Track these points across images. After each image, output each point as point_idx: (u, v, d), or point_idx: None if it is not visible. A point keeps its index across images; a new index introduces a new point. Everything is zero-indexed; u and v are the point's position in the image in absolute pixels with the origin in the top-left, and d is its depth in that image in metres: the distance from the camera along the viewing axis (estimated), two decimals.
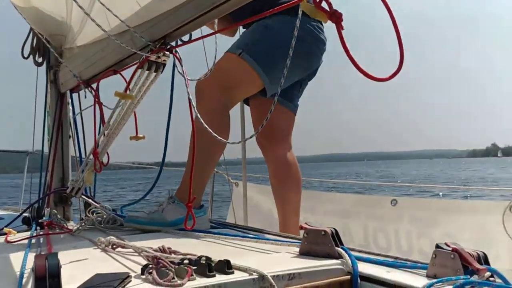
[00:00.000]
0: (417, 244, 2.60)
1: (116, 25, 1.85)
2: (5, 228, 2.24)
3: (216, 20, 1.82)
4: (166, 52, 1.72)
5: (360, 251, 1.82)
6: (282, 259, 1.61)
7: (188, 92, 1.67)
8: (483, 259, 1.44)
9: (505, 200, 2.38)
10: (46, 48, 2.70)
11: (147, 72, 1.79)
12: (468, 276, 1.33)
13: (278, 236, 2.05)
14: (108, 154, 2.26)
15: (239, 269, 1.35)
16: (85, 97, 2.47)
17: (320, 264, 1.50)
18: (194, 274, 1.27)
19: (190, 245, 1.86)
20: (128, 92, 1.80)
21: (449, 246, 1.44)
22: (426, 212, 2.67)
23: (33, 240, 2.03)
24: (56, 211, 2.52)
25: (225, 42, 2.51)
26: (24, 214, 2.51)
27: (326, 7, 1.33)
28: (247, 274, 1.32)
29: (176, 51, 1.76)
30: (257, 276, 1.31)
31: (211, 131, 1.75)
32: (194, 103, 1.76)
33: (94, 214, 2.47)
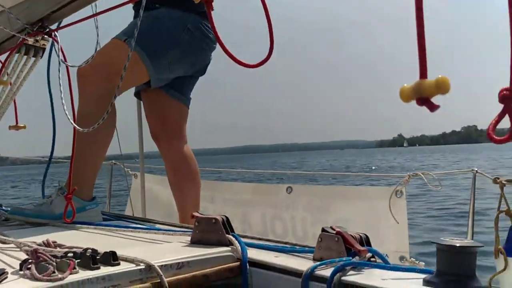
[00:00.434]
0: (311, 229, 2.68)
1: None
2: None
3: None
4: (46, 36, 1.64)
5: (252, 238, 1.85)
6: (172, 248, 1.59)
7: (69, 79, 1.60)
8: (365, 241, 1.51)
9: (392, 186, 2.52)
10: None
11: (25, 56, 1.69)
12: (350, 258, 1.39)
13: (171, 226, 2.03)
14: None
15: (126, 260, 1.32)
16: None
17: (210, 252, 1.50)
18: (77, 267, 1.23)
19: (78, 238, 1.80)
20: (5, 78, 1.69)
21: (334, 230, 1.50)
22: (320, 198, 2.76)
23: None
24: None
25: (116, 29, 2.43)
26: None
27: None
28: (134, 265, 1.29)
29: (56, 35, 1.67)
30: (144, 266, 1.29)
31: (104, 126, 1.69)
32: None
33: None
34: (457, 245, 1.17)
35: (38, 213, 2.10)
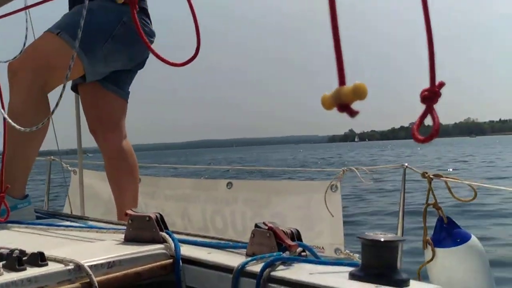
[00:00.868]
0: (251, 224, 2.70)
1: None
2: None
3: None
4: None
5: (188, 234, 1.86)
6: (104, 247, 1.58)
7: None
8: (296, 236, 1.55)
9: (328, 180, 2.58)
10: None
11: None
12: (281, 253, 1.43)
13: (107, 224, 2.01)
14: None
15: (55, 260, 1.30)
16: None
17: (143, 250, 1.50)
18: (1, 269, 1.20)
19: (7, 239, 1.75)
20: None
21: (266, 225, 1.53)
22: (259, 193, 2.79)
23: None
24: None
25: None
26: None
27: None
28: (63, 265, 1.28)
29: None
30: (72, 266, 1.28)
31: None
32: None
33: None
34: (380, 239, 1.22)
35: None
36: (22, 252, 1.31)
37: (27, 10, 1.69)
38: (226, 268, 1.40)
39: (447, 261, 2.32)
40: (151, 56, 2.47)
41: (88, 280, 1.27)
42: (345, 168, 2.58)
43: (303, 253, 1.52)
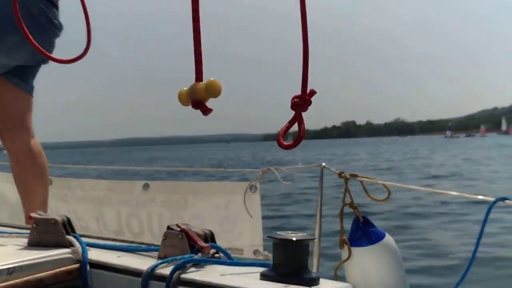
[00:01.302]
0: None
1: None
2: None
3: None
4: None
5: (98, 238, 1.78)
6: (5, 252, 1.48)
7: None
8: (210, 237, 1.52)
9: (247, 181, 2.57)
10: None
11: None
12: (193, 255, 1.39)
13: (10, 228, 1.89)
14: None
15: None
16: None
17: (47, 255, 1.42)
18: None
19: None
20: None
21: (179, 227, 1.49)
22: (177, 195, 2.73)
23: None
24: None
25: None
26: None
27: None
28: None
29: None
30: None
31: None
32: None
33: None
34: (290, 238, 1.22)
35: None
36: None
37: None
38: (135, 272, 1.34)
39: (362, 260, 2.36)
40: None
41: None
42: (264, 168, 2.57)
43: (216, 255, 1.49)
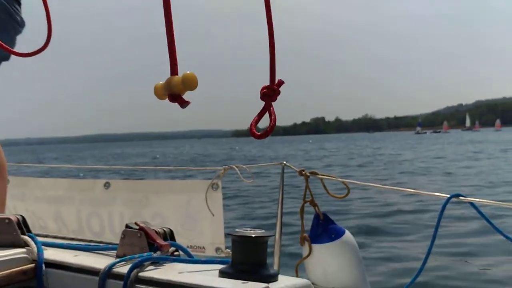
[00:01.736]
0: None
1: None
2: None
3: None
4: None
5: (55, 237, 1.76)
6: None
7: None
8: (169, 235, 1.51)
9: (209, 179, 2.56)
10: None
11: None
12: (152, 253, 1.38)
13: None
14: None
15: None
16: None
17: (1, 255, 1.39)
18: None
19: None
20: None
21: (138, 226, 1.48)
22: (139, 193, 2.70)
23: None
24: None
25: None
26: None
27: None
28: None
29: None
30: None
31: None
32: None
33: None
34: (248, 235, 1.22)
35: None
36: None
37: None
38: (92, 271, 1.33)
39: (322, 256, 2.39)
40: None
41: None
42: (226, 166, 2.57)
43: (176, 253, 1.49)
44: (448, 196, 2.02)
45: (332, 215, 2.48)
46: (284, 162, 2.51)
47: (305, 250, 2.42)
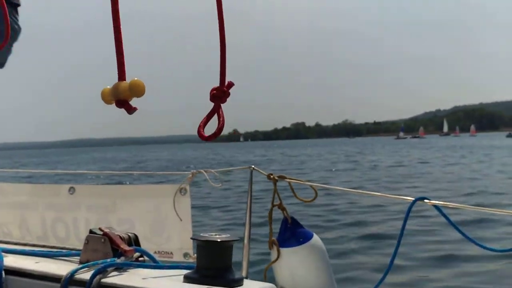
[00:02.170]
0: None
1: None
2: None
3: None
4: None
5: (17, 244, 1.72)
6: None
7: None
8: (134, 241, 1.49)
9: (177, 184, 2.53)
10: None
11: None
12: (116, 258, 1.36)
13: None
14: None
15: None
16: None
17: None
18: None
19: None
20: None
21: (102, 231, 1.45)
22: (105, 198, 2.65)
23: None
24: None
25: None
26: None
27: None
28: None
29: None
30: None
31: None
32: None
33: None
34: (212, 239, 1.21)
35: None
36: None
37: None
38: (54, 278, 1.30)
39: (290, 261, 2.39)
40: None
41: None
42: (194, 171, 2.55)
43: (140, 258, 1.47)
44: (413, 199, 2.04)
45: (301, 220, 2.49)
46: (253, 166, 2.50)
47: (273, 254, 2.42)
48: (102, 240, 1.39)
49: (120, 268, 1.33)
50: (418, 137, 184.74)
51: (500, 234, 8.81)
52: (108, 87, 0.86)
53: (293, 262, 2.40)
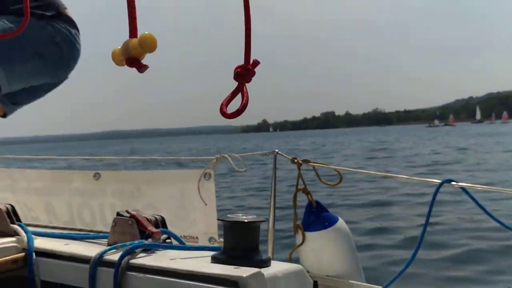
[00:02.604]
0: None
1: None
2: None
3: None
4: None
5: (45, 227, 1.74)
6: None
7: None
8: (161, 223, 1.50)
9: (201, 168, 2.54)
10: None
11: None
12: (143, 240, 1.37)
13: None
14: None
15: None
16: None
17: None
18: None
19: None
20: None
21: (129, 213, 1.46)
22: (130, 184, 2.68)
23: None
24: None
25: None
26: None
27: None
28: None
29: None
30: None
31: None
32: None
33: None
34: (239, 220, 1.21)
35: None
36: None
37: None
38: (83, 259, 1.31)
39: (316, 245, 2.39)
40: None
41: None
42: (218, 155, 2.56)
43: (167, 240, 1.47)
44: (440, 181, 2.01)
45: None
46: (276, 150, 2.50)
47: (298, 239, 2.41)
48: (130, 222, 1.40)
49: (148, 250, 1.33)
50: (448, 125, 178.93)
51: None
52: (119, 47, 0.84)
53: (318, 246, 2.40)
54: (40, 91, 2.44)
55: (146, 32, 0.79)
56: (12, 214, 1.51)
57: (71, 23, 2.33)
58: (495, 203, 8.44)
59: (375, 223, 8.81)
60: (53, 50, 2.28)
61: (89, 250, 1.35)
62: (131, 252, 1.26)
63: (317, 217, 2.42)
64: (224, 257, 1.21)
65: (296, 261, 2.45)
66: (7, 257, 1.37)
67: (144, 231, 1.41)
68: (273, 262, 1.22)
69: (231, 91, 0.91)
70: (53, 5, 2.29)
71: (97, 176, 2.70)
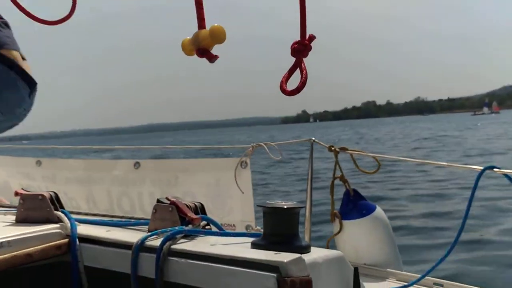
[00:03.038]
0: None
1: None
2: None
3: None
4: None
5: (86, 214, 1.77)
6: None
7: None
8: (200, 210, 1.51)
9: (238, 157, 2.55)
10: None
11: None
12: (184, 226, 1.38)
13: None
14: None
15: None
16: None
17: (35, 230, 1.41)
18: None
19: None
20: None
21: (169, 200, 1.48)
22: (168, 172, 2.71)
23: None
24: None
25: None
26: None
27: None
28: None
29: None
30: None
31: None
32: None
33: None
34: (279, 206, 1.21)
35: None
36: None
37: None
38: (125, 245, 1.33)
39: (353, 233, 2.37)
40: None
41: None
42: (254, 144, 2.56)
43: (207, 227, 1.48)
44: (482, 168, 1.96)
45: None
46: (313, 139, 2.48)
47: (335, 227, 2.40)
48: (170, 209, 1.41)
49: (189, 236, 1.35)
50: (494, 112, 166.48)
51: None
52: (188, 37, 0.85)
53: (356, 234, 2.38)
54: None
55: (216, 24, 0.80)
56: (55, 201, 1.55)
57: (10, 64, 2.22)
58: None
59: (417, 211, 8.69)
60: None
61: (131, 236, 1.37)
62: (172, 238, 1.28)
63: (354, 206, 2.40)
64: (264, 242, 1.21)
65: (333, 249, 2.44)
66: (51, 243, 1.41)
67: (184, 218, 1.42)
68: (313, 248, 1.21)
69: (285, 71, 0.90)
70: None
71: (136, 165, 2.74)
